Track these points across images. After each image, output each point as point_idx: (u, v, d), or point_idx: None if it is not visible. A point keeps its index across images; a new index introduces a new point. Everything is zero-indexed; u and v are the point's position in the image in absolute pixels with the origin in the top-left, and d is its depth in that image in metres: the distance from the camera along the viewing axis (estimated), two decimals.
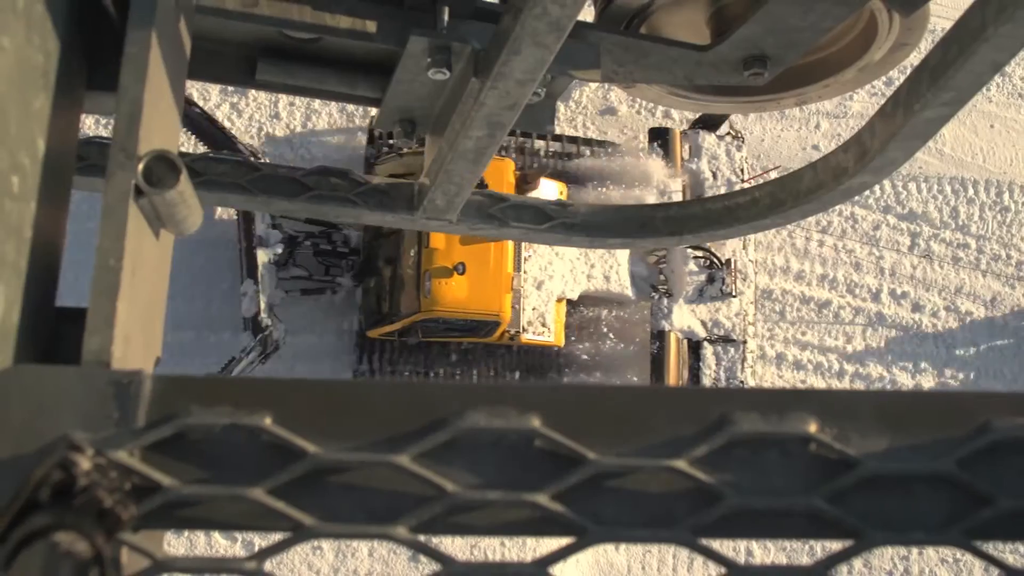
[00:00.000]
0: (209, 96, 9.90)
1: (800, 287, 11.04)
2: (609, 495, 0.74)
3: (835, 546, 0.73)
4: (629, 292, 9.72)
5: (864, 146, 1.85)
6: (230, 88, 9.61)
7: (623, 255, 9.69)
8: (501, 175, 8.67)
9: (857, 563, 9.71)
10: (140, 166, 0.88)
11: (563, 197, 8.95)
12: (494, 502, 0.73)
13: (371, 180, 2.20)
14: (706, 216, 2.30)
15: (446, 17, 1.79)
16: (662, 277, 9.84)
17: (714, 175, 10.08)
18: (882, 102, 1.76)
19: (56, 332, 0.91)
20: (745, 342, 9.85)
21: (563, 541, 0.72)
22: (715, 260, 9.82)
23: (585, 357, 9.70)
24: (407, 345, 9.23)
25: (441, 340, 9.17)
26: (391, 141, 9.13)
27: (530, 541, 8.00)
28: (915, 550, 9.94)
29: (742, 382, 9.74)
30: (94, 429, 0.71)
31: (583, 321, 9.81)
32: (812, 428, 0.75)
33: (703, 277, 9.83)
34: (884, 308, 11.13)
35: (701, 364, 9.74)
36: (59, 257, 0.94)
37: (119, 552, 0.69)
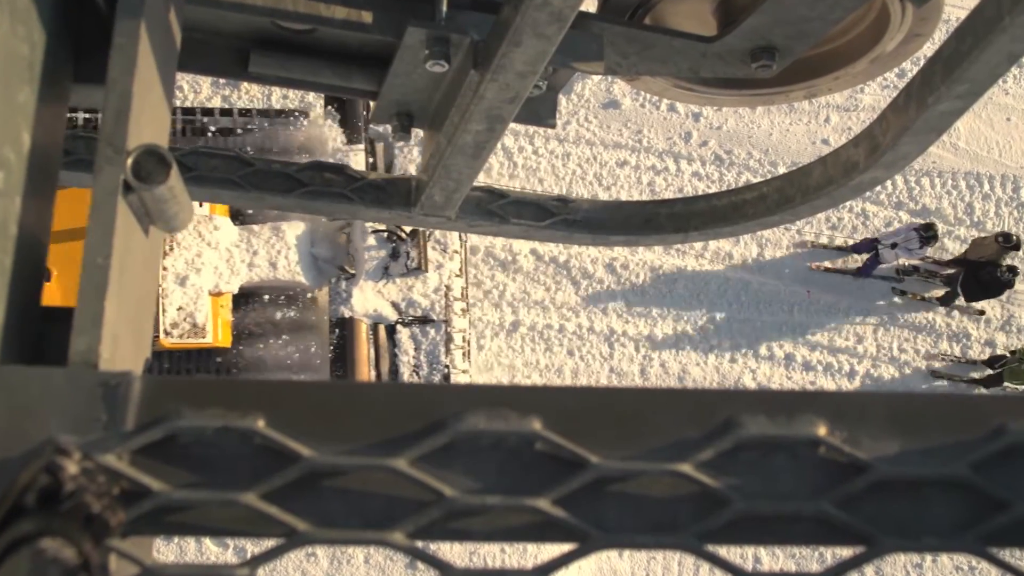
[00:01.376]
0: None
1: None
2: (612, 500, 0.72)
3: (845, 553, 0.71)
4: (302, 277, 8.60)
5: (875, 140, 1.82)
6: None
7: (291, 234, 8.51)
8: None
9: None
10: (129, 161, 0.86)
11: None
12: (494, 507, 0.71)
13: (367, 175, 2.17)
14: (712, 212, 2.27)
15: (444, 7, 1.76)
16: (351, 257, 8.76)
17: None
18: (894, 95, 1.73)
19: (42, 332, 0.90)
20: (448, 321, 8.75)
21: (565, 547, 0.71)
22: (397, 233, 8.52)
23: (250, 359, 8.64)
24: None
25: None
26: None
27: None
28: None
29: (447, 366, 8.69)
30: (81, 432, 0.70)
31: (250, 316, 8.69)
32: (821, 431, 0.73)
33: (386, 252, 8.69)
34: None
35: (397, 350, 8.66)
36: (45, 255, 0.93)
37: (107, 559, 0.67)
